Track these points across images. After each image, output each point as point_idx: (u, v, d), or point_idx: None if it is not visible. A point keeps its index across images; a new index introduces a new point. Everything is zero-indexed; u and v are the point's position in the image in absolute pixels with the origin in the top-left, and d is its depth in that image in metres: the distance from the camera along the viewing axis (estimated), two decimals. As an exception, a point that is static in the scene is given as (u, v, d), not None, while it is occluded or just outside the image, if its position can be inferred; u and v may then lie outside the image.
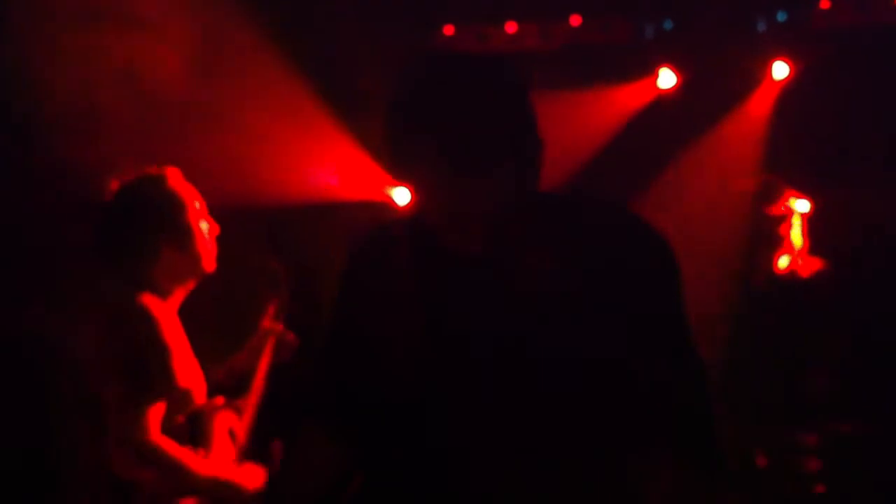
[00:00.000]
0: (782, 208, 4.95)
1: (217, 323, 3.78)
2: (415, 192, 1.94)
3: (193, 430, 3.08)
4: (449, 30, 5.97)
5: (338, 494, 2.03)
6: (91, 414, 3.09)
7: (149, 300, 3.06)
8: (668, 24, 6.17)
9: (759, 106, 6.15)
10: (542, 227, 1.93)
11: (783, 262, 5.01)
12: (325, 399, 2.09)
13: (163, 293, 3.13)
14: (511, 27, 6.03)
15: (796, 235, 5.01)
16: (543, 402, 1.90)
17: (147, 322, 3.01)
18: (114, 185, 3.22)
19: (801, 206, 4.96)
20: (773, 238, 4.98)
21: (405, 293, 1.95)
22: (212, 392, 3.22)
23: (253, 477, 3.13)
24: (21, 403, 4.10)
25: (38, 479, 3.52)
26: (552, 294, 1.88)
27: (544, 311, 1.88)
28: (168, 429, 2.98)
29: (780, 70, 6.12)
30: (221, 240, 3.28)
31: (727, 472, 1.95)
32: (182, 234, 3.18)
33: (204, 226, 3.23)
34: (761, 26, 6.14)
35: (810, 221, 5.09)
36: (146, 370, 2.96)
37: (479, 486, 1.93)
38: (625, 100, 6.17)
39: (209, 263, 3.23)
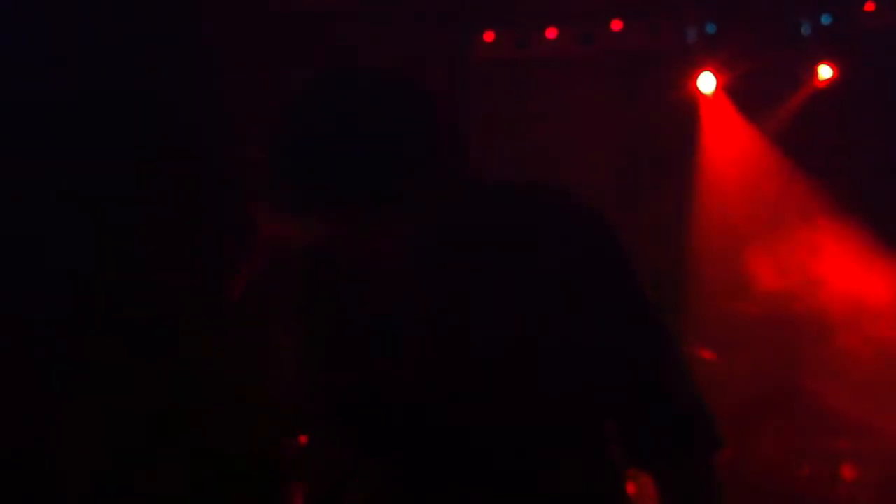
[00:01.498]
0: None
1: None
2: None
3: None
4: (489, 36, 5.98)
5: (338, 495, 2.04)
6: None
7: None
8: (711, 28, 6.14)
9: (803, 108, 6.10)
10: (487, 218, 1.92)
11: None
12: (324, 400, 2.11)
13: None
14: (551, 32, 6.02)
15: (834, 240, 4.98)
16: (524, 392, 1.91)
17: None
18: None
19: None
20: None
21: (391, 292, 1.95)
22: None
23: None
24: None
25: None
26: (511, 282, 1.89)
27: (507, 302, 1.88)
28: None
29: (825, 72, 6.08)
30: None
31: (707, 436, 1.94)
32: None
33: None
34: (806, 29, 6.09)
35: (857, 224, 5.05)
36: None
37: (477, 481, 1.95)
38: (667, 103, 6.14)
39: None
